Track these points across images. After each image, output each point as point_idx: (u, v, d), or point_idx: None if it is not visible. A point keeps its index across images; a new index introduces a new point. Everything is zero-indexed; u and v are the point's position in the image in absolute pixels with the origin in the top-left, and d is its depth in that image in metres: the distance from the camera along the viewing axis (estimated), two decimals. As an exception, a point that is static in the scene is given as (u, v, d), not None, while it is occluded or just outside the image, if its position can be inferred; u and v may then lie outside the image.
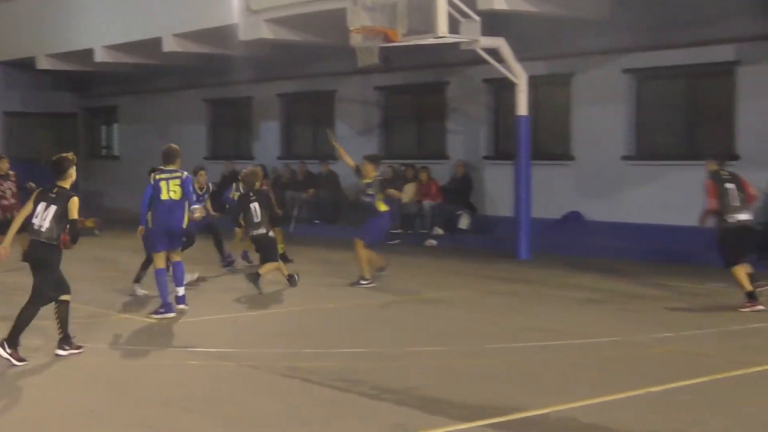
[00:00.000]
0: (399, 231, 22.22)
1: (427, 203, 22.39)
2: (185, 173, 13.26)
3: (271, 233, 15.79)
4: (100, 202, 27.26)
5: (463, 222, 22.27)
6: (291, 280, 15.70)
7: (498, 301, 14.75)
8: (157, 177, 13.20)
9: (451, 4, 17.58)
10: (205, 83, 29.37)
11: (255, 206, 15.67)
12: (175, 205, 13.14)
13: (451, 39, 17.96)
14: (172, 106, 30.67)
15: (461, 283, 16.50)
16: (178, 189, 13.10)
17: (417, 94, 24.48)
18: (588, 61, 20.50)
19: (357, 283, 15.80)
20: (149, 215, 13.27)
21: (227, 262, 18.05)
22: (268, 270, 15.33)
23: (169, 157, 13.36)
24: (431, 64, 22.87)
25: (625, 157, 20.04)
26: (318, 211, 24.80)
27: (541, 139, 20.67)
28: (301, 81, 26.69)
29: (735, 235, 13.42)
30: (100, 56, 27.46)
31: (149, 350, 11.25)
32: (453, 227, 22.22)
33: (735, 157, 17.84)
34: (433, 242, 21.75)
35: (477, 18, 18.22)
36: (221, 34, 24.00)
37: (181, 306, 13.37)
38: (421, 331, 12.33)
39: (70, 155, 10.85)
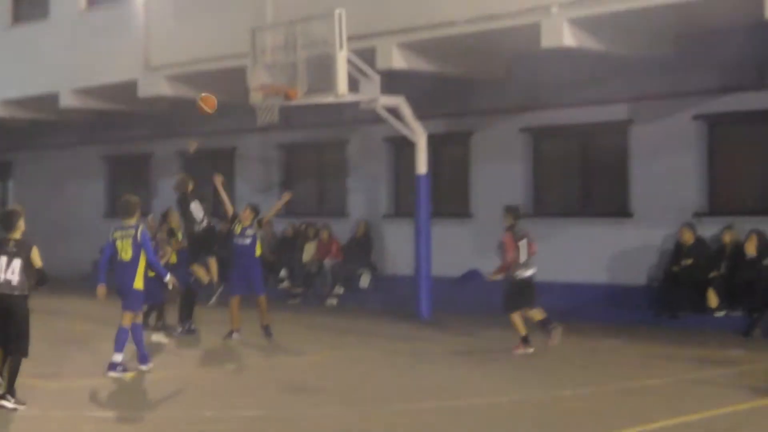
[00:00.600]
0: (299, 290, 22.45)
1: (327, 262, 22.56)
2: (141, 227, 12.90)
3: None
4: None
5: (364, 281, 22.55)
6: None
7: (397, 361, 14.97)
8: (114, 236, 12.94)
9: (350, 63, 17.94)
10: (103, 140, 29.33)
11: None
12: (127, 266, 12.92)
13: (351, 98, 18.29)
14: (69, 163, 30.48)
15: (359, 342, 16.70)
16: (129, 249, 12.84)
17: (318, 152, 24.76)
18: (486, 119, 20.99)
19: (229, 337, 16.31)
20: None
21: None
22: None
23: (126, 211, 13.05)
24: (332, 122, 23.21)
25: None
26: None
27: (440, 197, 21.03)
28: (200, 138, 26.68)
29: (523, 288, 15.01)
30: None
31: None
32: (354, 286, 22.45)
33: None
34: (333, 302, 21.96)
35: (376, 76, 18.61)
36: (120, 89, 24.15)
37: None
38: (320, 392, 12.45)
39: (18, 207, 11.34)
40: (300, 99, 18.24)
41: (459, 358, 15.01)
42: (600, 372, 13.70)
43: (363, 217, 22.99)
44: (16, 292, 10.74)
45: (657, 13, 16.17)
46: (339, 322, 19.41)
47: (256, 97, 18.79)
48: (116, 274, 13.05)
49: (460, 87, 20.78)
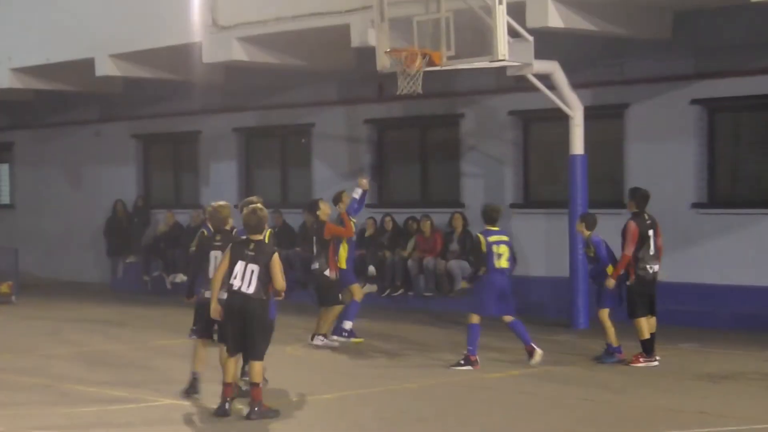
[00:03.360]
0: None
1: (429, 260, 22.31)
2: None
3: None
4: (13, 262, 26.31)
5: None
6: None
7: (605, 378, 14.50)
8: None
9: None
10: (135, 114, 28.81)
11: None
12: None
13: (508, 63, 17.77)
14: (89, 143, 29.96)
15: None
16: None
17: (421, 129, 24.31)
18: (647, 89, 20.52)
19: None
20: None
21: None
22: None
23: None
24: (439, 93, 22.57)
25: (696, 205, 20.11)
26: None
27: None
28: (265, 112, 26.27)
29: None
30: (5, 81, 26.72)
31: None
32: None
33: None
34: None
35: (530, 38, 18.13)
36: (176, 54, 23.60)
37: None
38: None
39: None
40: (445, 64, 17.65)
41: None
42: None
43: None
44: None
45: None
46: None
47: (384, 62, 18.15)
48: None
49: (613, 49, 20.29)
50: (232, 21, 22.18)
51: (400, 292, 22.74)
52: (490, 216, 15.82)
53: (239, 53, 22.31)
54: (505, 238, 15.69)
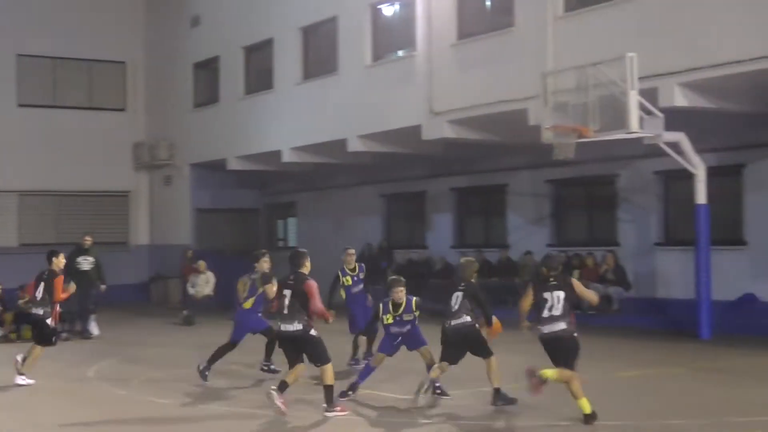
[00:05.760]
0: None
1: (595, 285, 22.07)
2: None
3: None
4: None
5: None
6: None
7: (709, 377, 14.33)
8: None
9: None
10: (380, 179, 29.60)
11: (458, 295, 12.43)
12: None
13: (640, 134, 17.81)
14: (348, 201, 30.89)
15: (665, 361, 16.08)
16: None
17: (587, 186, 24.26)
18: (760, 152, 20.07)
19: None
20: None
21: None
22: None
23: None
24: (601, 158, 22.62)
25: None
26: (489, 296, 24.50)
27: (713, 226, 20.17)
28: (472, 176, 26.73)
29: None
30: (287, 157, 28.00)
31: None
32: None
33: None
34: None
35: (660, 114, 18.10)
36: (404, 134, 24.32)
37: None
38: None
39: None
40: (592, 136, 17.86)
41: None
42: None
43: (633, 245, 22.33)
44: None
45: None
46: (621, 342, 18.83)
47: (548, 136, 18.49)
48: None
49: (733, 121, 19.94)
50: (443, 108, 22.83)
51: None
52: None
53: (449, 132, 22.87)
54: None
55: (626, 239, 22.63)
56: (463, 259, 13.37)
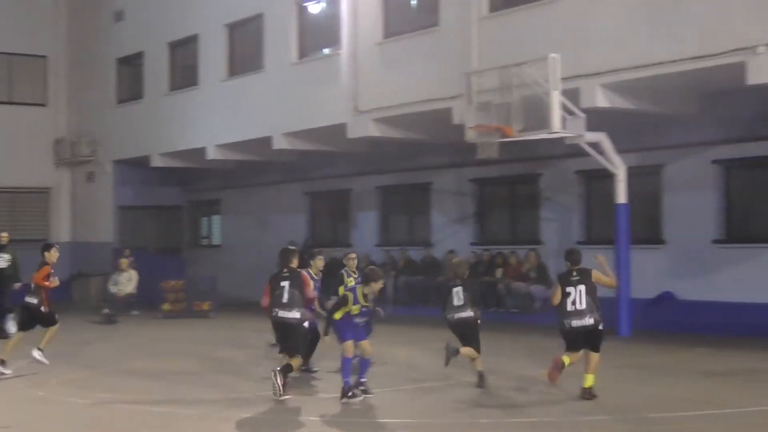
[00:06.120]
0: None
1: (518, 284, 22.37)
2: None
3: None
4: (213, 287, 27.26)
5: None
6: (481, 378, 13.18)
7: (629, 374, 14.48)
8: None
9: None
10: (305, 177, 29.44)
11: (459, 290, 13.05)
12: None
13: (562, 134, 17.96)
14: (273, 199, 30.67)
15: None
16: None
17: (510, 185, 24.35)
18: (678, 152, 20.37)
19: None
20: None
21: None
22: (468, 354, 13.02)
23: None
24: (524, 158, 22.77)
25: (716, 241, 19.83)
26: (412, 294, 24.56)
27: (633, 225, 20.43)
28: (397, 174, 26.70)
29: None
30: (211, 154, 27.75)
31: None
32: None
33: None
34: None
35: (582, 115, 18.27)
36: (329, 132, 24.24)
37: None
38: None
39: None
40: (515, 135, 17.95)
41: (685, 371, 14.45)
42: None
43: (555, 244, 22.51)
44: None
45: None
46: (542, 340, 18.92)
47: (471, 135, 18.54)
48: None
49: (651, 123, 20.21)
50: (368, 106, 22.78)
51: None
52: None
53: (374, 130, 22.84)
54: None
55: (549, 238, 22.81)
56: (455, 260, 14.72)
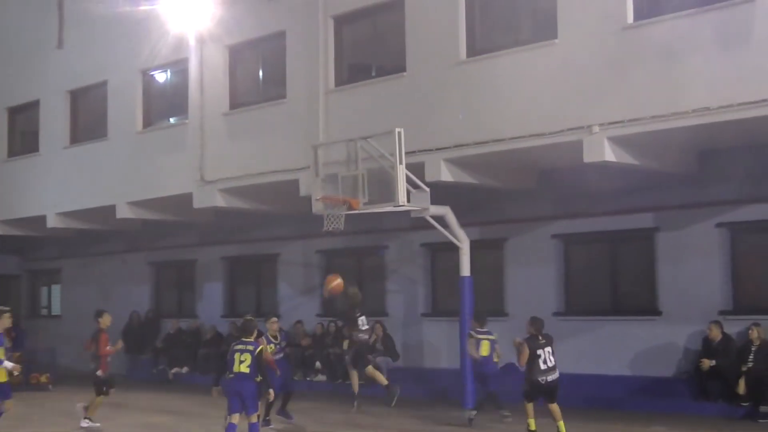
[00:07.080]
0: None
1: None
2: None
3: None
4: (52, 359, 26.15)
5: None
6: None
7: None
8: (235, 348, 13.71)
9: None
10: (149, 246, 28.76)
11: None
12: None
13: (407, 207, 18.00)
14: (116, 269, 29.82)
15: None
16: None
17: (357, 257, 24.27)
18: (519, 227, 20.71)
19: None
20: None
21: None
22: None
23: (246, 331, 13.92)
24: (370, 230, 22.79)
25: (556, 313, 20.12)
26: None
27: (477, 298, 20.57)
28: (244, 245, 26.34)
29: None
30: (52, 222, 26.87)
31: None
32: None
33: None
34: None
35: (426, 189, 18.37)
36: (174, 201, 23.78)
37: None
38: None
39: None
40: (361, 208, 17.89)
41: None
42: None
43: (401, 316, 22.46)
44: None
45: (681, 133, 15.97)
46: (389, 411, 18.76)
47: (318, 207, 18.40)
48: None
49: (494, 197, 20.52)
50: (215, 176, 22.48)
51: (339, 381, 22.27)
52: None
53: (220, 200, 22.53)
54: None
55: (394, 309, 22.78)
56: (350, 289, 18.01)
